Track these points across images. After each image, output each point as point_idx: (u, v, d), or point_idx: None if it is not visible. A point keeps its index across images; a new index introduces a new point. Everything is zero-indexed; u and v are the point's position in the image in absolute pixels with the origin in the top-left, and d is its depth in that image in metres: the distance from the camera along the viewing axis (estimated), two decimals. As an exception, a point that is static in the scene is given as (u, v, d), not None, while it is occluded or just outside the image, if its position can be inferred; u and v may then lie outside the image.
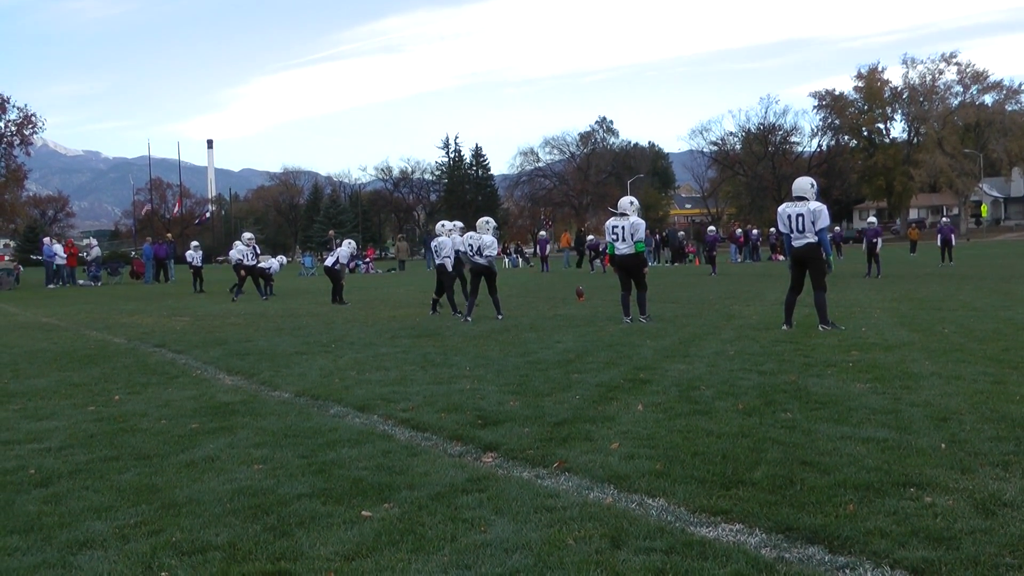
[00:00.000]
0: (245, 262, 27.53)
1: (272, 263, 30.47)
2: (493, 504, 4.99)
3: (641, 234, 15.76)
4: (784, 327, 13.31)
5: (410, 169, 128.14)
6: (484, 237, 17.18)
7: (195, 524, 4.81)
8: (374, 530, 4.60)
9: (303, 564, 4.20)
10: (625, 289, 15.58)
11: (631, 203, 15.65)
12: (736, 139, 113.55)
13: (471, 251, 17.24)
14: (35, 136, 77.31)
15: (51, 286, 40.18)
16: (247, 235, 28.84)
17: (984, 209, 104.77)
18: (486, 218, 17.89)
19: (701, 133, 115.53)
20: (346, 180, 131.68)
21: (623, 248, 15.63)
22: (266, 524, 4.77)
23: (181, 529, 4.73)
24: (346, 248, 25.08)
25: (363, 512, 4.91)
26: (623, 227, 15.73)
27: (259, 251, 29.14)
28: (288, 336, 14.88)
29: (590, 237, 50.77)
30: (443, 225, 19.40)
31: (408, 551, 4.31)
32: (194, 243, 36.62)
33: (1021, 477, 5.19)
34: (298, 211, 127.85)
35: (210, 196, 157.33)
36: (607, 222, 15.92)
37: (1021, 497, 4.81)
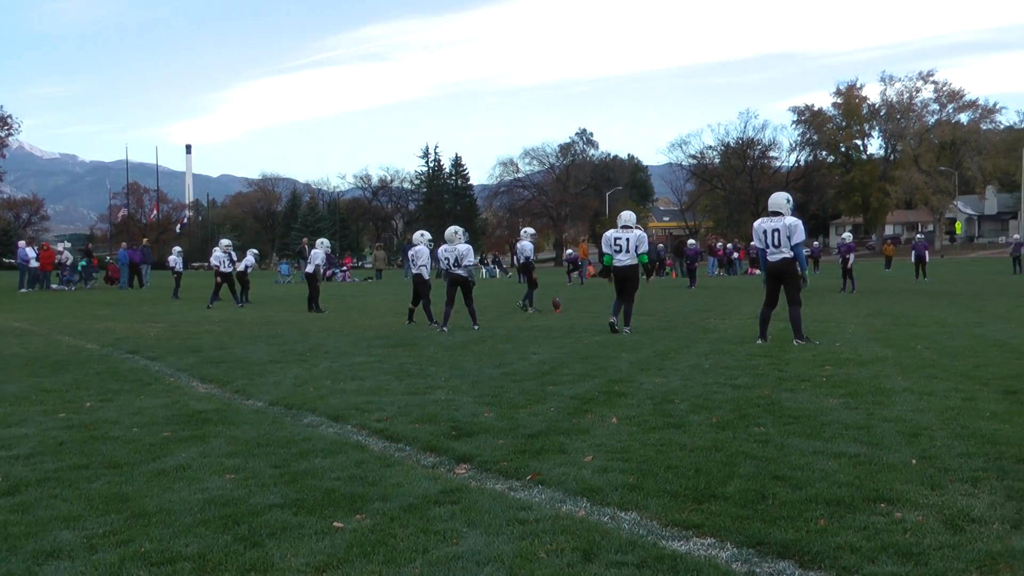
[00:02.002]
0: (221, 269, 27.43)
1: (247, 258, 30.14)
2: (466, 516, 4.98)
3: (645, 246, 15.93)
4: (759, 341, 13.35)
5: (389, 178, 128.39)
6: (459, 247, 17.17)
7: (165, 534, 4.77)
8: (346, 541, 4.58)
9: (273, 575, 4.18)
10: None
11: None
12: (715, 153, 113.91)
13: (448, 263, 17.22)
14: (11, 138, 76.96)
15: (24, 290, 39.86)
16: (224, 241, 28.70)
17: (959, 226, 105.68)
18: (455, 227, 17.86)
19: (680, 146, 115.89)
20: (325, 188, 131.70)
21: (624, 259, 15.73)
22: (237, 535, 4.74)
23: (150, 539, 4.69)
24: (320, 250, 24.58)
25: (335, 523, 4.89)
26: (627, 239, 15.83)
27: (235, 258, 28.94)
28: (263, 344, 14.83)
29: (569, 251, 50.83)
30: (422, 235, 19.36)
31: (379, 563, 4.29)
32: (176, 248, 36.50)
33: (990, 493, 5.22)
34: (276, 218, 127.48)
35: (188, 202, 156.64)
36: (607, 233, 16.04)
37: (989, 513, 4.84)
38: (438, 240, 18.98)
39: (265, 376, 10.92)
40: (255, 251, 33.32)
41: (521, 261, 24.50)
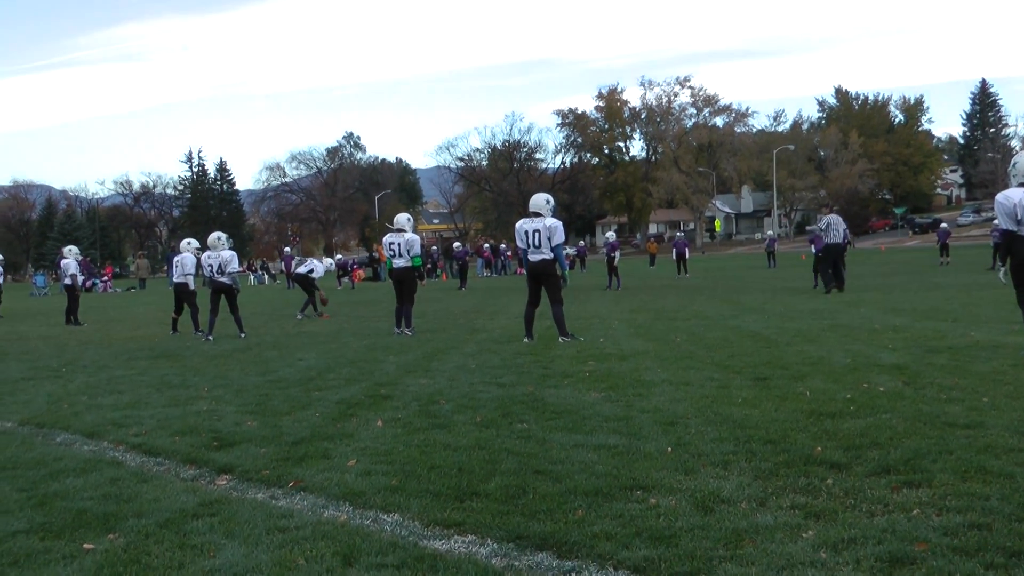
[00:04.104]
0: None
1: None
2: (224, 528, 4.87)
3: (417, 248, 15.62)
4: (525, 340, 13.54)
5: (151, 183, 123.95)
6: (223, 254, 16.79)
7: None
8: (96, 563, 4.39)
9: (16, 603, 3.98)
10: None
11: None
12: (482, 155, 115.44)
13: (211, 270, 16.83)
14: None
15: None
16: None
17: (717, 224, 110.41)
18: (217, 233, 17.49)
19: (448, 149, 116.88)
20: (83, 194, 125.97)
21: (400, 263, 15.48)
22: (-26, 566, 4.48)
23: None
24: (70, 259, 23.42)
25: (85, 545, 4.67)
26: (399, 243, 15.53)
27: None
28: (14, 361, 14.10)
29: (338, 256, 50.50)
30: (188, 243, 18.90)
31: (132, 582, 4.15)
32: None
33: (738, 475, 5.46)
34: (30, 227, 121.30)
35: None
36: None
37: (737, 493, 5.07)
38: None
39: (15, 395, 10.38)
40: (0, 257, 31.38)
41: (305, 271, 24.22)
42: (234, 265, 16.94)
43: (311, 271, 22.56)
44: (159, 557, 4.46)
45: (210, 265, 16.86)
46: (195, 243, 18.92)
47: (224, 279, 16.73)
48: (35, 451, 7.13)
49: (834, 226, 23.49)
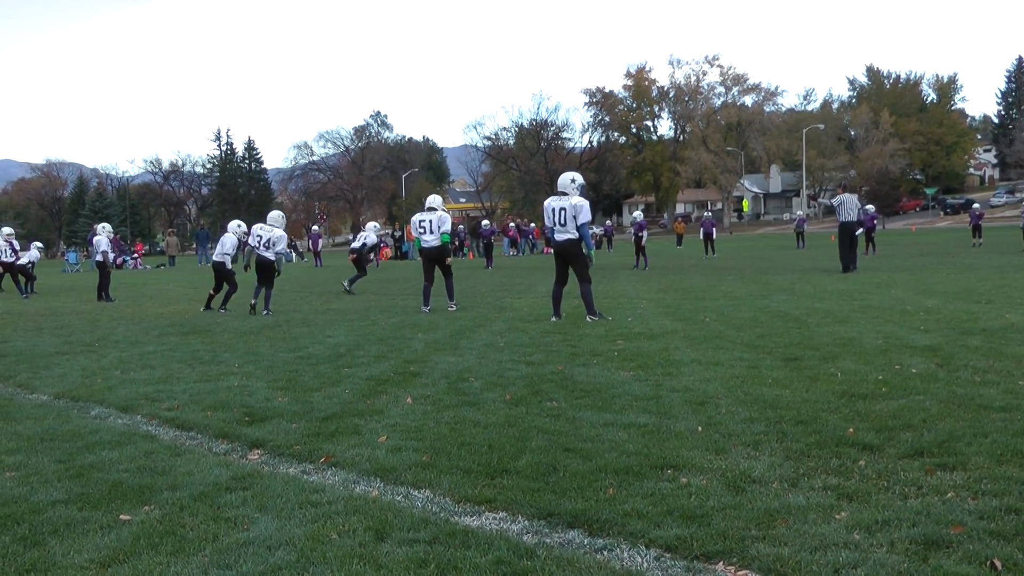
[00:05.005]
0: (3, 258, 26.16)
1: (31, 252, 28.83)
2: (257, 501, 4.91)
3: (447, 226, 15.70)
4: (553, 319, 13.54)
5: (181, 162, 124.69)
6: (276, 231, 16.98)
7: (-63, 537, 4.52)
8: (132, 534, 4.45)
9: (55, 574, 4.02)
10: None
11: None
12: (509, 134, 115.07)
13: (259, 241, 16.95)
14: None
15: None
16: (6, 230, 27.42)
17: (745, 204, 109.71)
18: (280, 212, 17.78)
19: (475, 128, 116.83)
20: (113, 172, 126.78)
21: (430, 240, 15.57)
22: (16, 535, 4.53)
23: (-77, 543, 4.44)
24: (102, 236, 23.57)
25: (122, 516, 4.74)
26: (430, 221, 15.61)
27: (18, 247, 27.66)
28: (49, 336, 14.22)
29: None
30: (239, 225, 19.10)
31: (167, 553, 4.19)
32: None
33: (770, 455, 5.45)
34: (62, 205, 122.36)
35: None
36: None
37: (769, 473, 5.06)
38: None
39: (50, 368, 10.48)
40: (39, 244, 31.97)
41: (359, 246, 24.90)
42: (282, 246, 17.21)
43: (364, 244, 23.08)
44: (194, 529, 4.50)
45: (259, 236, 17.04)
46: (244, 226, 19.08)
47: (268, 254, 16.90)
48: (71, 424, 7.21)
49: (847, 205, 23.56)
